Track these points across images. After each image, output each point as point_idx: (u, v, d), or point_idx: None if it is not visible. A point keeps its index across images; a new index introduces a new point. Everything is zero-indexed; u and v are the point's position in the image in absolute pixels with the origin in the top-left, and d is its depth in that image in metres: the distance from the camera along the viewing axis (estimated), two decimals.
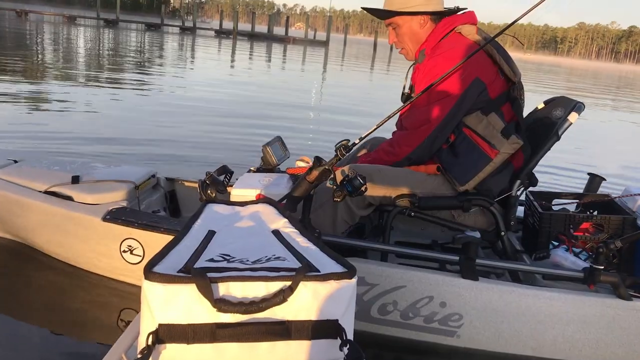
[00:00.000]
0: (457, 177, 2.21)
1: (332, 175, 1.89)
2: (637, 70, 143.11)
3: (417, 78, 2.36)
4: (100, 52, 18.60)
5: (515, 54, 2.27)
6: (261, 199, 1.84)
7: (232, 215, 1.65)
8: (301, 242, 1.39)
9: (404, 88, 2.51)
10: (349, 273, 1.16)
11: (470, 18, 2.30)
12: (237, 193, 2.37)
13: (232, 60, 21.29)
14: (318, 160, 1.90)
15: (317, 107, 9.69)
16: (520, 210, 2.54)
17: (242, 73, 16.24)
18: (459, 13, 2.34)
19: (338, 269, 1.19)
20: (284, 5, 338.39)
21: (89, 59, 15.26)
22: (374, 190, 2.24)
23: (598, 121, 11.37)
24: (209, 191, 2.55)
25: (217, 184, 2.58)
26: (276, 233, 1.46)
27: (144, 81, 10.94)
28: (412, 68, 2.48)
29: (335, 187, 1.87)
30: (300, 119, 7.97)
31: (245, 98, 9.86)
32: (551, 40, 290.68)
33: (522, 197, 2.50)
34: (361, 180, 1.84)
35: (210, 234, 1.42)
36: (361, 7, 2.44)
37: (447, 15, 2.33)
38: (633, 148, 8.70)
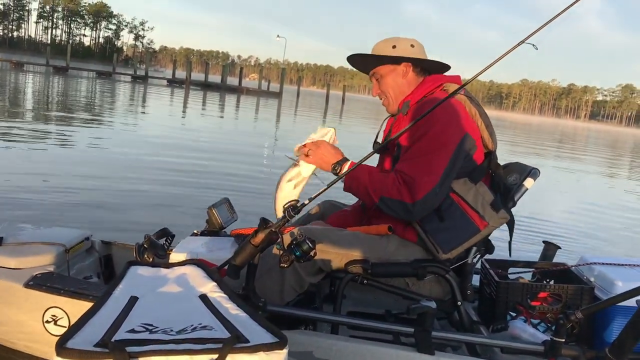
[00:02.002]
0: (440, 243, 2.08)
1: (279, 239, 1.77)
2: (577, 125, 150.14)
3: (400, 128, 2.22)
4: (43, 100, 18.21)
5: None
6: (189, 260, 1.74)
7: (157, 278, 1.57)
8: (230, 309, 1.34)
9: (376, 137, 2.41)
10: (280, 343, 1.12)
11: (457, 80, 2.25)
12: (176, 258, 2.24)
13: (184, 111, 21.19)
14: (264, 222, 1.77)
15: (269, 164, 9.52)
16: (475, 279, 2.45)
17: (193, 125, 16.10)
18: (445, 73, 2.30)
19: (268, 338, 1.15)
20: (239, 56, 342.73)
21: (28, 108, 14.85)
22: (324, 255, 2.11)
23: (548, 181, 11.47)
24: (145, 256, 2.38)
25: (156, 248, 2.41)
26: (204, 298, 1.40)
27: (84, 133, 10.61)
28: (388, 119, 2.42)
29: (282, 251, 1.76)
30: (251, 177, 7.75)
31: (193, 153, 9.52)
32: (497, 96, 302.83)
33: (478, 266, 2.43)
34: (310, 244, 1.73)
35: (133, 300, 1.35)
36: (347, 57, 2.36)
37: (430, 66, 2.29)
38: (583, 208, 8.79)
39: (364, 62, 2.37)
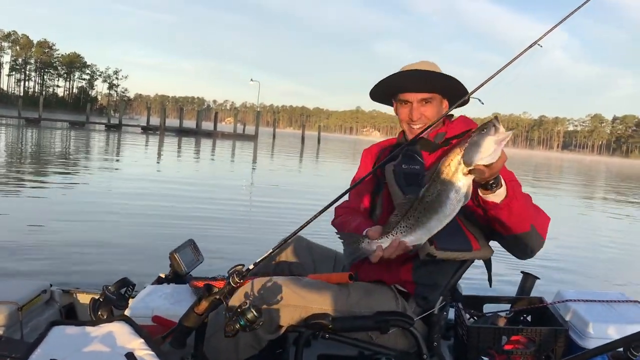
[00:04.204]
0: (437, 238, 1.85)
1: (223, 306, 1.70)
2: (550, 155, 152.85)
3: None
4: (9, 151, 17.97)
5: None
6: (117, 317, 1.72)
7: (81, 338, 1.52)
8: None
9: None
10: None
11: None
12: (132, 314, 2.16)
13: (159, 157, 21.03)
14: (208, 290, 1.70)
15: (244, 213, 9.29)
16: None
17: (164, 171, 15.99)
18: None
19: None
20: (214, 101, 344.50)
21: None
22: (282, 309, 1.96)
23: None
24: (99, 312, 2.24)
25: (112, 302, 2.28)
26: (130, 357, 1.37)
27: (49, 182, 10.48)
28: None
29: (227, 318, 1.66)
30: (222, 221, 7.55)
31: (163, 198, 9.33)
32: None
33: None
34: (255, 313, 1.63)
35: None
36: (411, 70, 2.18)
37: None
38: (561, 240, 8.69)
39: (423, 81, 2.18)
